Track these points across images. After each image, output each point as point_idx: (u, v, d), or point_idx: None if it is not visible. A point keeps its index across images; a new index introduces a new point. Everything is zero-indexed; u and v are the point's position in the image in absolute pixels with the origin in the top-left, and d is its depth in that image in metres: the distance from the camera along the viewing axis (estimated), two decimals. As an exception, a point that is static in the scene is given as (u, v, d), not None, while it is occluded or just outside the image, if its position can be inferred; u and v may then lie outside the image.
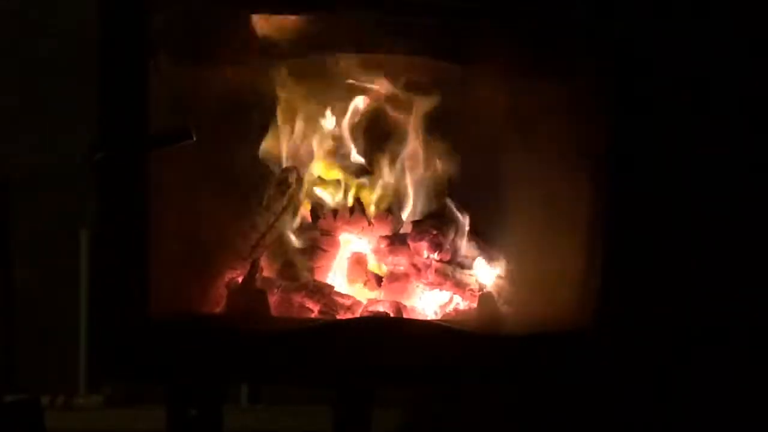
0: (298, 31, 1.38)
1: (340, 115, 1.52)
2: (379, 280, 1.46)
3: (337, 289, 1.43)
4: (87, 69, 1.32)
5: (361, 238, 1.50)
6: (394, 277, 1.46)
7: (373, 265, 1.49)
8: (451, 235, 1.48)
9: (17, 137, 1.87)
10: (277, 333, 1.32)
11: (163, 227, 1.34)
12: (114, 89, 1.30)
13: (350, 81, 1.48)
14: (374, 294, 1.45)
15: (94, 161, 1.29)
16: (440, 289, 1.46)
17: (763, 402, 1.60)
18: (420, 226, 1.49)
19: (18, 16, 1.86)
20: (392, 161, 1.53)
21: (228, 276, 1.46)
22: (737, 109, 1.59)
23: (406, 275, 1.46)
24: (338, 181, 1.51)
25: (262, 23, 1.38)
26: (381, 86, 1.49)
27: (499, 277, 1.51)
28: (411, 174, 1.53)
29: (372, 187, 1.52)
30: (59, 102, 1.85)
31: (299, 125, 1.51)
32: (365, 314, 1.39)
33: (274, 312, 1.40)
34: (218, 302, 1.44)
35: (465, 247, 1.51)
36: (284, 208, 1.48)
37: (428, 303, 1.46)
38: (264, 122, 1.50)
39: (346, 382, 1.37)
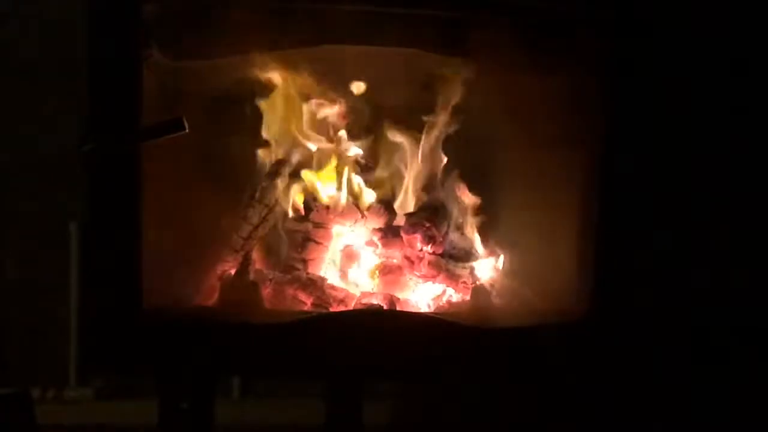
0: (291, 22, 1.37)
1: (334, 107, 1.51)
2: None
3: (330, 281, 1.43)
4: (76, 61, 1.31)
5: (353, 231, 1.49)
6: (387, 269, 1.45)
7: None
8: (444, 228, 1.48)
9: (5, 129, 1.85)
10: (269, 325, 1.32)
11: (154, 219, 1.33)
12: (105, 80, 1.30)
13: (345, 73, 1.48)
14: (368, 286, 1.45)
15: (82, 153, 1.28)
16: (433, 282, 1.46)
17: (758, 393, 1.61)
18: (413, 218, 1.48)
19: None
20: (386, 153, 1.53)
21: (220, 268, 1.45)
22: (735, 103, 1.60)
23: (399, 268, 1.45)
24: (332, 174, 1.51)
25: (255, 15, 1.37)
26: (375, 79, 1.49)
27: (493, 269, 1.51)
28: (404, 166, 1.53)
29: (366, 179, 1.52)
30: (48, 93, 1.84)
31: (293, 117, 1.50)
32: (358, 306, 1.39)
33: (266, 304, 1.39)
34: (210, 295, 1.43)
35: (458, 239, 1.51)
36: (277, 200, 1.47)
37: (421, 295, 1.46)
38: (257, 114, 1.49)
39: (339, 374, 1.37)
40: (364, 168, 1.52)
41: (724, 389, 1.62)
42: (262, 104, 1.48)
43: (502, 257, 1.51)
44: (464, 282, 1.46)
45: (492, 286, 1.48)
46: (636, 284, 1.37)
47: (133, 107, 1.30)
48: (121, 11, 1.29)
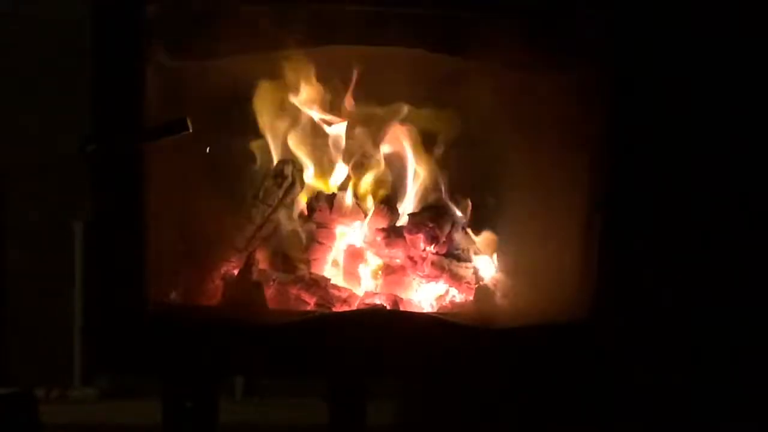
0: (294, 22, 1.37)
1: (337, 107, 1.51)
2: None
3: (333, 281, 1.43)
4: (78, 61, 1.31)
5: (357, 231, 1.49)
6: (390, 269, 1.46)
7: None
8: (448, 228, 1.48)
9: (9, 129, 1.86)
10: (273, 325, 1.32)
11: (159, 219, 1.34)
12: (108, 81, 1.30)
13: (347, 72, 1.48)
14: (371, 286, 1.46)
15: (86, 153, 1.28)
16: (436, 282, 1.46)
17: (758, 393, 1.61)
18: (416, 218, 1.48)
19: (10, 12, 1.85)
20: (389, 153, 1.53)
21: (224, 268, 1.45)
22: (736, 103, 1.60)
23: (402, 268, 1.46)
24: (334, 174, 1.51)
25: (258, 14, 1.37)
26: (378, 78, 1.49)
27: (496, 269, 1.52)
28: (407, 167, 1.53)
29: (369, 179, 1.52)
30: (52, 94, 1.84)
31: (296, 118, 1.51)
32: (361, 306, 1.39)
33: (270, 304, 1.40)
34: (214, 294, 1.43)
35: (461, 239, 1.51)
36: (280, 201, 1.47)
37: (424, 295, 1.46)
38: (260, 114, 1.49)
39: (342, 374, 1.38)
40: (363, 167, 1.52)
41: (724, 389, 1.62)
42: (265, 104, 1.49)
43: (504, 258, 1.51)
44: (467, 282, 1.46)
45: (495, 286, 1.48)
46: (638, 285, 1.38)
47: (137, 107, 1.30)
48: (124, 12, 1.29)
